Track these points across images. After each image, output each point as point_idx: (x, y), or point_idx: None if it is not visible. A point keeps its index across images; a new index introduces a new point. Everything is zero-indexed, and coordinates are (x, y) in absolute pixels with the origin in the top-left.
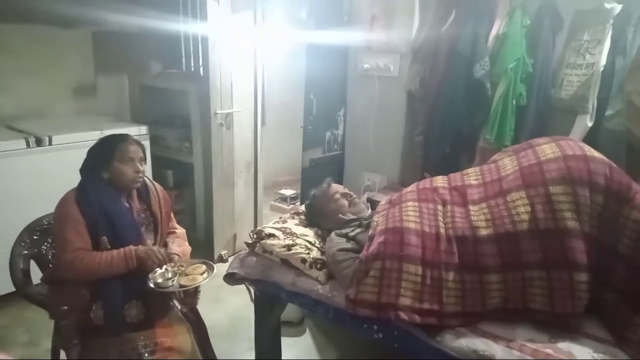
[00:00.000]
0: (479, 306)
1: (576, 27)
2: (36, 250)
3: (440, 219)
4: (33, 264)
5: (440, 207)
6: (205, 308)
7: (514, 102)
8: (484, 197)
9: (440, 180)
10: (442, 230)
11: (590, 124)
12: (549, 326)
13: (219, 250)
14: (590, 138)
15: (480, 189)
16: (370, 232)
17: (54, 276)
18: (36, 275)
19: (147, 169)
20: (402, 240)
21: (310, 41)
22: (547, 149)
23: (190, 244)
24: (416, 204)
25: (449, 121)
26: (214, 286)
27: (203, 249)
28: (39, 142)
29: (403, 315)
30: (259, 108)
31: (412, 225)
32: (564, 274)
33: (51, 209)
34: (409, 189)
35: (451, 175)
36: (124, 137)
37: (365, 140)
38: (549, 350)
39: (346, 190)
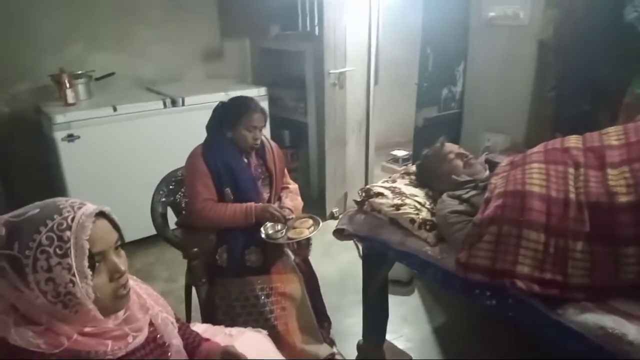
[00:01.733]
0: (611, 280)
1: None
2: (172, 198)
3: (571, 183)
4: (170, 211)
5: (571, 170)
6: (317, 261)
7: None
8: (626, 160)
9: (573, 140)
10: (573, 196)
11: None
12: None
13: (331, 207)
14: None
15: (623, 150)
16: (487, 194)
17: (186, 222)
18: (172, 220)
19: (266, 128)
20: (524, 204)
21: None
22: None
23: (303, 200)
24: (542, 165)
25: (588, 74)
26: (326, 242)
27: (316, 206)
28: (174, 103)
29: (520, 284)
30: (372, 66)
31: (536, 189)
32: None
33: (183, 162)
34: (536, 149)
35: (587, 134)
36: (251, 106)
37: (487, 97)
38: None
39: (461, 150)
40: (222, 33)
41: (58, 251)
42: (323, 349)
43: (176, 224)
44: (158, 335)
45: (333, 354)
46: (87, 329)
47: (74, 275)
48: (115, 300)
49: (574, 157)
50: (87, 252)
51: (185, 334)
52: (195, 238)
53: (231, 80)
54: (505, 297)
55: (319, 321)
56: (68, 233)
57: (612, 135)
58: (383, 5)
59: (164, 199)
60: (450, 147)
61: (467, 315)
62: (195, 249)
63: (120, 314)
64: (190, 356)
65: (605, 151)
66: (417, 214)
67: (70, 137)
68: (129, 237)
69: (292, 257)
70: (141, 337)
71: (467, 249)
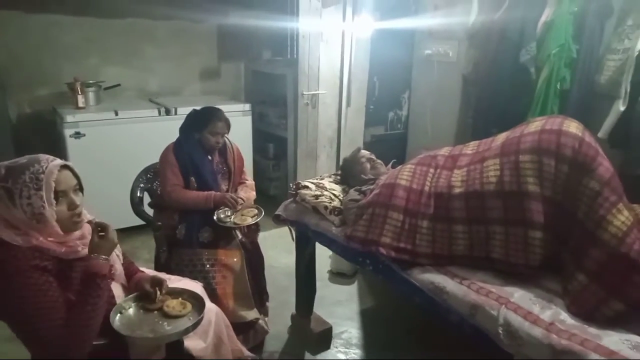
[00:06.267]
0: (446, 250)
1: (624, 13)
2: (149, 185)
3: (429, 179)
4: (146, 195)
5: (432, 170)
6: (280, 255)
7: (558, 86)
8: (468, 163)
9: (444, 150)
10: (427, 188)
11: (622, 108)
12: (509, 276)
13: None
14: (624, 122)
15: (470, 157)
16: (373, 186)
17: (156, 203)
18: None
19: (248, 141)
20: (392, 193)
21: (378, 28)
22: (534, 124)
23: (278, 205)
24: (413, 166)
25: (496, 104)
26: (289, 241)
27: None
28: (167, 112)
29: (382, 250)
30: (344, 91)
31: (402, 182)
32: (519, 229)
33: None
34: (419, 156)
35: (457, 146)
36: (217, 115)
37: (425, 121)
38: (493, 289)
39: (372, 156)
40: (219, 55)
41: (35, 186)
42: (251, 314)
43: (149, 204)
44: None
45: (257, 319)
46: (50, 238)
47: (44, 202)
48: (71, 224)
49: (437, 161)
50: (52, 188)
51: (127, 265)
52: (162, 216)
53: (224, 96)
54: (377, 263)
55: (258, 293)
56: (42, 176)
57: (470, 147)
58: (355, 39)
59: (142, 185)
60: (363, 153)
61: (391, 305)
62: (159, 223)
63: (77, 233)
64: (127, 281)
65: (459, 157)
66: (330, 202)
67: (77, 135)
68: (121, 224)
69: (240, 237)
70: (87, 250)
71: (352, 225)
